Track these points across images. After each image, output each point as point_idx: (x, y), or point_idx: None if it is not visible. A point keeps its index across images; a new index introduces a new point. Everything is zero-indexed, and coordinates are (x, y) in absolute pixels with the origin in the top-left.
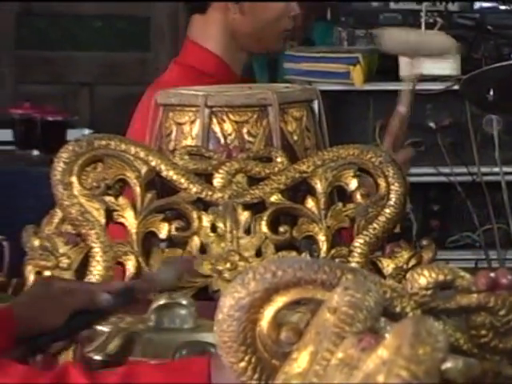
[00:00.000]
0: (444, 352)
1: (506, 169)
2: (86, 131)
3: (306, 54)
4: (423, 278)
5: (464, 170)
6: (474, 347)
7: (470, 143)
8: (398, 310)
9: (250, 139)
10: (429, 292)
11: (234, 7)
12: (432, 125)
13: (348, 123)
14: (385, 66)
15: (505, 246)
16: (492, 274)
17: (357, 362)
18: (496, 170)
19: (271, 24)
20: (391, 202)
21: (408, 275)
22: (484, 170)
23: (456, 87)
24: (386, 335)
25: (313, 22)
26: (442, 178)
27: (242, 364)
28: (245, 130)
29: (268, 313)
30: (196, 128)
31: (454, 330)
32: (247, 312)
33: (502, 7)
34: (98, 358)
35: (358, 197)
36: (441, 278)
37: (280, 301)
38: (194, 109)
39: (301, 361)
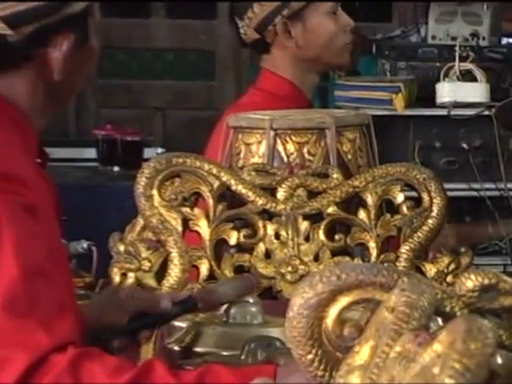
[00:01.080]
0: (493, 347)
1: None
2: (159, 150)
3: (354, 83)
4: (470, 282)
5: (492, 185)
6: None
7: (498, 162)
8: (447, 309)
9: (310, 158)
10: (475, 294)
11: (290, 42)
12: (465, 146)
13: (391, 144)
14: (423, 94)
15: None
16: None
17: (414, 356)
18: None
19: (329, 45)
20: (433, 214)
21: (449, 278)
22: (510, 185)
23: (486, 113)
24: (431, 330)
25: (359, 55)
26: (473, 193)
27: (310, 356)
28: (305, 150)
29: (333, 311)
30: (262, 148)
31: (497, 327)
32: (315, 310)
33: None
34: (176, 348)
35: (405, 209)
36: (486, 281)
37: (344, 301)
38: (260, 131)
39: (362, 354)
